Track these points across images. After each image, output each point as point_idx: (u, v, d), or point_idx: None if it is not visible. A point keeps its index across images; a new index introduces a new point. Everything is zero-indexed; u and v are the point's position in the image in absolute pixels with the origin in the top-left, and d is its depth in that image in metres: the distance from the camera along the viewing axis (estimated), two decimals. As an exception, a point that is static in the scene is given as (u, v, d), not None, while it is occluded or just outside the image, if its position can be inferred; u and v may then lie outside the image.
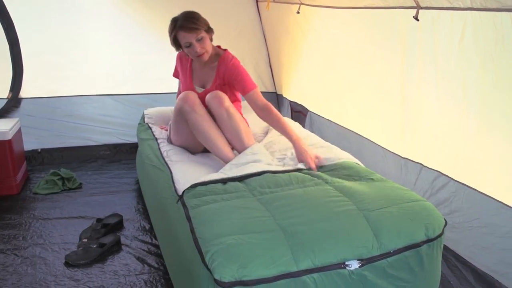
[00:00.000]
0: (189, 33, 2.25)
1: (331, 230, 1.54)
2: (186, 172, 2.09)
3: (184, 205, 1.76)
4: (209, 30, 2.35)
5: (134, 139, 3.57)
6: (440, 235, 1.62)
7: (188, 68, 2.54)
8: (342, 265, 1.47)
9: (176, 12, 2.37)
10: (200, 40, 2.28)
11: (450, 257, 2.16)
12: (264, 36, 4.06)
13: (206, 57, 2.35)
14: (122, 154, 3.72)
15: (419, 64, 2.22)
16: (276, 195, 1.77)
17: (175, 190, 1.92)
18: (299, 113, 3.66)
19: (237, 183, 1.92)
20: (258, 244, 1.45)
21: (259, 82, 3.99)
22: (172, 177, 2.06)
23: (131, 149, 3.64)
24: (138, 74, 3.69)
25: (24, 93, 3.44)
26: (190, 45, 2.29)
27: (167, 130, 2.68)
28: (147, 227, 2.54)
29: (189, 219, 1.65)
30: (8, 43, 3.21)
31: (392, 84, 2.44)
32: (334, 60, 3.06)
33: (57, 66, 3.48)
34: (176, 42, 2.36)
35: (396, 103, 2.42)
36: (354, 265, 1.48)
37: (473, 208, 1.99)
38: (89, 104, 3.61)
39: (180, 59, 2.64)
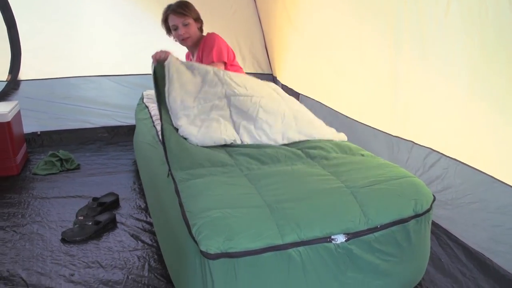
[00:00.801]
0: (178, 17, 2.55)
1: (317, 205, 1.56)
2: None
3: (173, 179, 1.78)
4: (198, 20, 2.64)
5: (131, 121, 3.61)
6: (428, 211, 1.64)
7: None
8: (328, 239, 1.49)
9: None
10: (186, 25, 2.57)
11: (442, 235, 2.17)
12: (259, 17, 4.04)
13: (189, 42, 2.64)
14: (120, 136, 3.75)
15: (406, 40, 2.21)
16: (263, 172, 1.79)
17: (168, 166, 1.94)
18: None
19: (225, 156, 1.95)
20: (245, 218, 1.47)
21: (254, 63, 4.00)
22: (165, 153, 2.08)
23: (128, 131, 3.67)
24: (134, 55, 3.70)
25: (23, 75, 3.46)
26: (176, 28, 2.58)
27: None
28: (142, 206, 2.57)
29: (177, 192, 1.67)
30: (6, 25, 3.22)
31: (380, 62, 2.44)
32: (324, 41, 3.06)
33: (54, 47, 3.50)
34: (166, 24, 2.64)
35: (385, 82, 2.42)
36: (340, 239, 1.50)
37: (465, 184, 2.00)
38: (86, 85, 3.64)
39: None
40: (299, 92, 3.55)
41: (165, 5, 2.64)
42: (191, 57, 2.82)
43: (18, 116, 3.17)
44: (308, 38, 3.27)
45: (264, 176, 1.75)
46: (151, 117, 2.74)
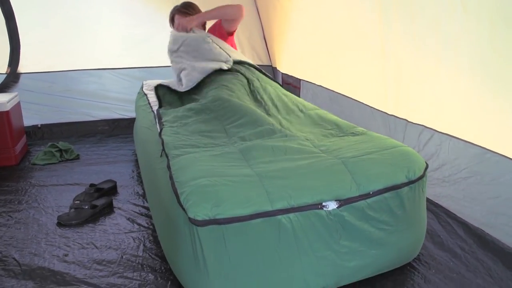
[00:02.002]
0: (182, 16, 2.78)
1: (307, 173, 1.54)
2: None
3: (166, 156, 1.78)
4: None
5: (131, 114, 3.61)
6: (421, 177, 1.61)
7: None
8: (319, 205, 1.46)
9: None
10: None
11: (441, 213, 2.14)
12: (257, 7, 4.03)
13: None
14: (120, 129, 3.76)
15: (395, 12, 2.20)
16: (256, 143, 1.78)
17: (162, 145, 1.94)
18: (289, 85, 3.66)
19: (220, 135, 1.94)
20: (233, 186, 1.46)
21: (254, 54, 3.99)
22: (160, 133, 2.08)
23: (129, 124, 3.66)
24: (135, 48, 3.71)
25: (22, 68, 3.48)
26: None
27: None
28: (140, 192, 2.56)
29: (169, 167, 1.66)
30: (4, 17, 3.24)
31: (372, 41, 2.44)
32: (320, 24, 3.06)
33: (54, 41, 3.51)
34: (172, 23, 2.87)
35: (378, 60, 2.42)
36: (331, 205, 1.48)
37: (459, 159, 1.97)
38: (86, 79, 3.65)
39: None
40: (300, 78, 3.54)
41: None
42: None
43: (17, 107, 3.18)
44: (308, 21, 3.26)
45: (256, 148, 1.74)
46: (149, 103, 2.75)
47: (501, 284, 1.65)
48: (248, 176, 1.51)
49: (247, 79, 2.56)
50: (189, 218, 1.37)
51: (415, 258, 1.81)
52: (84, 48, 3.62)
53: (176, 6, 2.89)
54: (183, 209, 1.41)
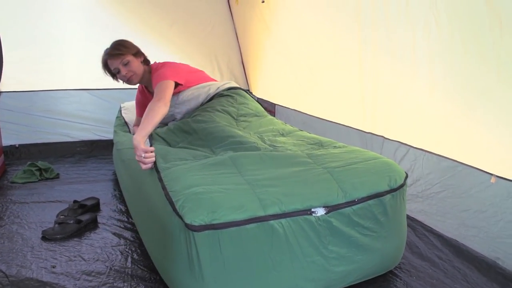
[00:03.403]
0: (115, 59, 2.39)
1: (296, 182, 1.63)
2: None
3: (156, 170, 1.82)
4: (138, 54, 2.47)
5: (110, 136, 3.61)
6: (402, 186, 1.72)
7: (148, 96, 2.67)
8: (308, 211, 1.55)
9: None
10: (126, 64, 2.40)
11: (418, 227, 2.26)
12: (236, 33, 4.17)
13: (135, 79, 2.46)
14: (99, 150, 3.77)
15: (372, 30, 2.35)
16: (243, 153, 1.86)
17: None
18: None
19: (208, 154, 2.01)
20: (227, 193, 1.53)
21: (232, 79, 4.09)
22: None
23: (108, 145, 3.68)
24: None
25: (3, 86, 3.46)
26: (119, 71, 2.43)
27: None
28: (123, 209, 2.57)
29: (160, 180, 1.71)
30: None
31: (350, 61, 2.56)
32: (299, 47, 3.18)
33: (35, 60, 3.54)
34: (108, 69, 2.49)
35: (355, 80, 2.55)
36: (320, 211, 1.56)
37: (433, 174, 2.10)
38: (66, 99, 3.66)
39: (140, 93, 2.76)
40: (275, 102, 3.66)
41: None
42: (145, 90, 2.72)
43: (-5, 125, 3.17)
44: (283, 46, 3.40)
45: (244, 156, 1.82)
46: (128, 127, 2.81)
47: (476, 288, 1.77)
48: (240, 184, 1.59)
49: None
50: (186, 224, 1.42)
51: (396, 267, 1.91)
52: (65, 68, 3.65)
53: (106, 50, 2.46)
54: (179, 216, 1.45)
